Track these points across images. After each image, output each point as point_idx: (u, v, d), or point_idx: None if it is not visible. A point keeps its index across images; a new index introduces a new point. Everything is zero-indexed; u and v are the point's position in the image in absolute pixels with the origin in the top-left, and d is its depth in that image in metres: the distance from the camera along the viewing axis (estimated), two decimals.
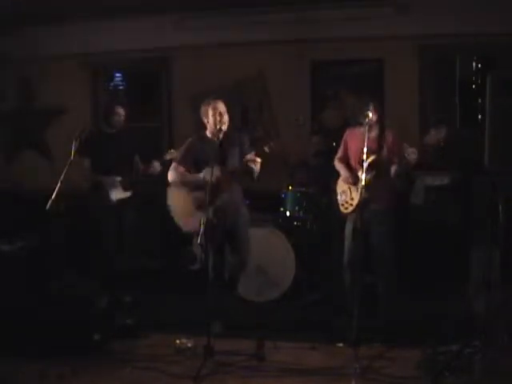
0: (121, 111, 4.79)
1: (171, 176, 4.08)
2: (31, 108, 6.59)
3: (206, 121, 4.04)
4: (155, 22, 6.04)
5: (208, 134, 4.05)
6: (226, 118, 3.99)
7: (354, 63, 5.79)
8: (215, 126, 3.94)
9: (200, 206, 3.80)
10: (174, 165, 4.11)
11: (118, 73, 6.64)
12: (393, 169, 3.97)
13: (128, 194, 4.76)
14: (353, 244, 4.02)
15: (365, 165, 3.63)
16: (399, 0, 5.50)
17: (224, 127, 3.95)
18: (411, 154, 3.79)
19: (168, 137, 6.39)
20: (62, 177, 4.08)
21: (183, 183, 4.03)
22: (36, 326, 3.72)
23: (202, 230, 3.55)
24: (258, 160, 3.78)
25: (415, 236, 4.88)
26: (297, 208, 5.00)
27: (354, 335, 3.45)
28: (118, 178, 4.71)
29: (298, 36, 5.76)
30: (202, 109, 4.05)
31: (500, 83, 3.16)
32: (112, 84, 6.65)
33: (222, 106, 4.00)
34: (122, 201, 4.75)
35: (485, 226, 3.80)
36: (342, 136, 4.34)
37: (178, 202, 4.06)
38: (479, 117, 3.74)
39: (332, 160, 4.38)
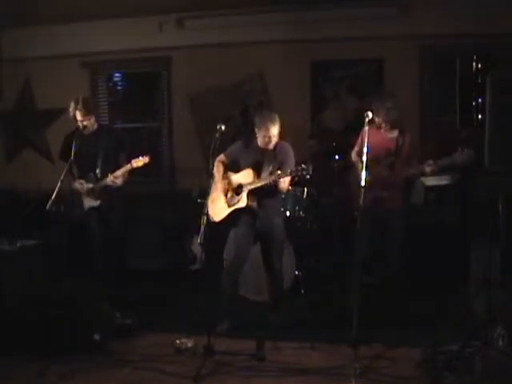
0: (78, 116, 4.55)
1: (215, 166, 4.25)
2: (31, 108, 6.59)
3: (257, 132, 4.11)
4: (155, 21, 6.04)
5: (257, 142, 4.16)
6: (274, 139, 4.08)
7: (354, 63, 5.79)
8: (263, 144, 4.08)
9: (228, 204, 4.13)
10: (221, 155, 4.24)
11: (118, 73, 6.65)
12: (408, 170, 4.02)
13: (97, 202, 4.57)
14: (362, 242, 4.03)
15: (363, 164, 3.62)
16: (400, 0, 5.50)
17: (271, 146, 4.10)
18: (428, 166, 3.85)
19: (168, 137, 6.40)
20: (61, 177, 4.08)
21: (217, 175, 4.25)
22: (36, 326, 3.72)
23: (202, 229, 3.56)
24: (282, 180, 3.91)
25: (415, 236, 4.87)
26: (297, 208, 5.00)
27: (354, 335, 3.44)
28: (90, 185, 4.56)
29: (298, 36, 5.76)
30: (258, 121, 4.10)
31: (500, 83, 3.16)
32: (112, 84, 6.66)
33: (274, 130, 4.06)
34: (92, 209, 4.59)
35: (485, 226, 3.80)
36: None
37: (213, 192, 4.21)
38: (479, 117, 3.74)
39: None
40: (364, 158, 3.58)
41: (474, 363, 3.25)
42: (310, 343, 3.84)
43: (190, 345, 3.79)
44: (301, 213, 5.00)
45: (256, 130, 4.10)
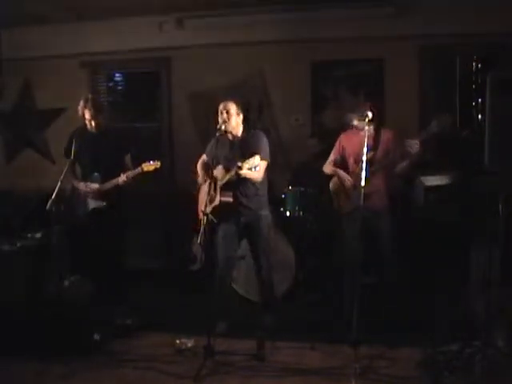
0: (87, 115, 4.49)
1: (198, 166, 4.35)
2: (31, 108, 6.59)
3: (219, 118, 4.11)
4: (155, 21, 6.04)
5: (224, 133, 4.10)
6: (233, 118, 4.06)
7: (354, 63, 5.79)
8: (222, 126, 4.02)
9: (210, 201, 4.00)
10: (203, 155, 4.33)
11: (118, 73, 6.64)
12: (399, 167, 4.00)
13: (103, 203, 4.45)
14: (353, 245, 4.02)
15: (364, 164, 3.62)
16: (399, 0, 5.50)
17: (229, 127, 4.04)
18: (414, 145, 3.80)
19: (168, 137, 6.39)
20: (61, 176, 4.08)
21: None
22: (36, 326, 3.72)
23: (201, 229, 3.56)
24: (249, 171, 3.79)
25: (415, 236, 4.87)
26: (297, 208, 5.00)
27: (354, 335, 3.44)
28: (96, 186, 4.46)
29: (298, 36, 5.76)
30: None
31: (500, 83, 3.16)
32: (112, 84, 6.66)
33: (230, 106, 4.07)
34: (96, 210, 4.48)
35: (485, 226, 3.80)
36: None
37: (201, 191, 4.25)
38: (479, 117, 3.74)
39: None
40: (364, 158, 3.57)
41: (474, 363, 3.25)
42: (310, 343, 3.84)
43: (190, 345, 3.79)
44: (301, 213, 5.00)
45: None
